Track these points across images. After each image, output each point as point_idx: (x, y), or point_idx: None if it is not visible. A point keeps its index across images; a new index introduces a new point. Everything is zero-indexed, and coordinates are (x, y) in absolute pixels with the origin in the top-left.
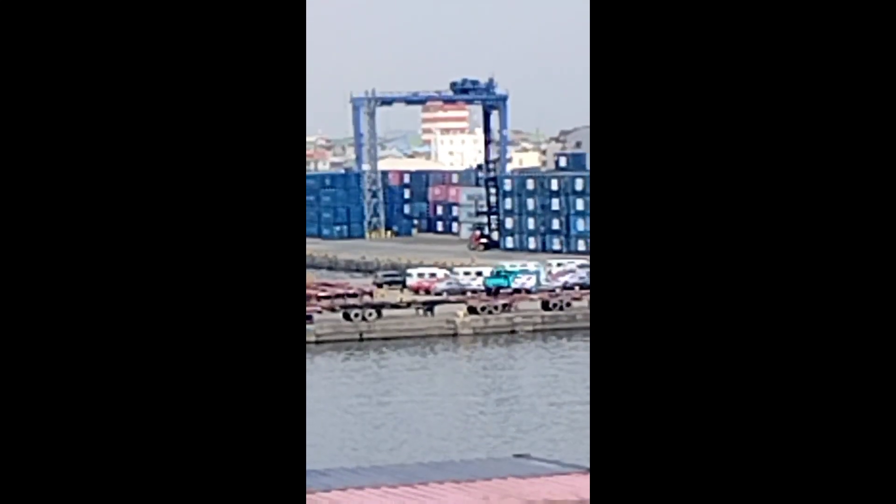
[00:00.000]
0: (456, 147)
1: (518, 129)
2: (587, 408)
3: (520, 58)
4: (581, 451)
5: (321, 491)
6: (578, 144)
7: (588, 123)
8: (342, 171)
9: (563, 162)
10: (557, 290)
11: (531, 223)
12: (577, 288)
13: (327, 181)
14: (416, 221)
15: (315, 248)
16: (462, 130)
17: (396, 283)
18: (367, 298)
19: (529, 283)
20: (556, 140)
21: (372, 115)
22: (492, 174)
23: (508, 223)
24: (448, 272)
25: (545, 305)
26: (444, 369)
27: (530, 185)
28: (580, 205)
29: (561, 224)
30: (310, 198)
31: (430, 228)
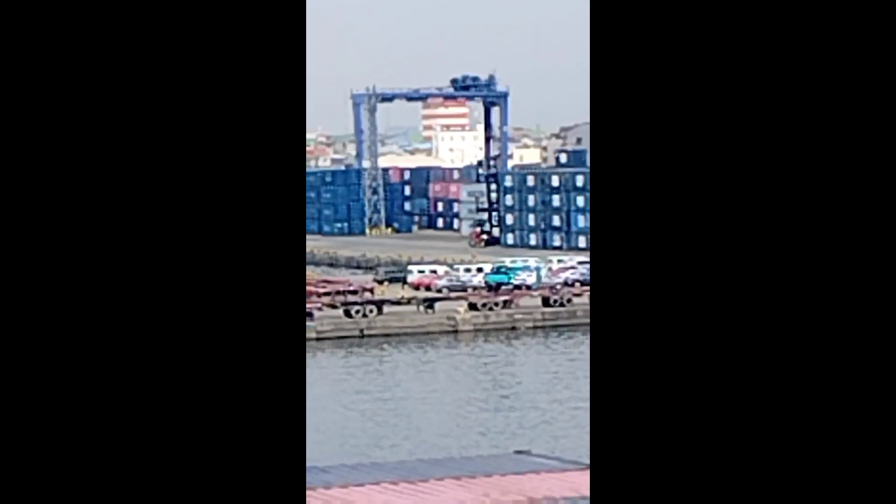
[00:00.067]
0: (456, 143)
1: (519, 126)
2: (587, 404)
3: (520, 54)
4: (582, 448)
5: (321, 487)
6: (579, 141)
7: (588, 120)
8: (343, 168)
9: (563, 158)
10: (558, 287)
11: (532, 219)
12: (577, 284)
13: (328, 178)
14: (416, 218)
15: (315, 244)
16: (463, 127)
17: (397, 279)
18: (367, 295)
19: (530, 279)
20: (557, 136)
21: (372, 111)
22: (492, 170)
23: (509, 220)
24: (449, 269)
25: (546, 302)
26: (445, 366)
27: (531, 181)
28: (581, 201)
29: (561, 220)
30: (310, 194)
31: (431, 225)
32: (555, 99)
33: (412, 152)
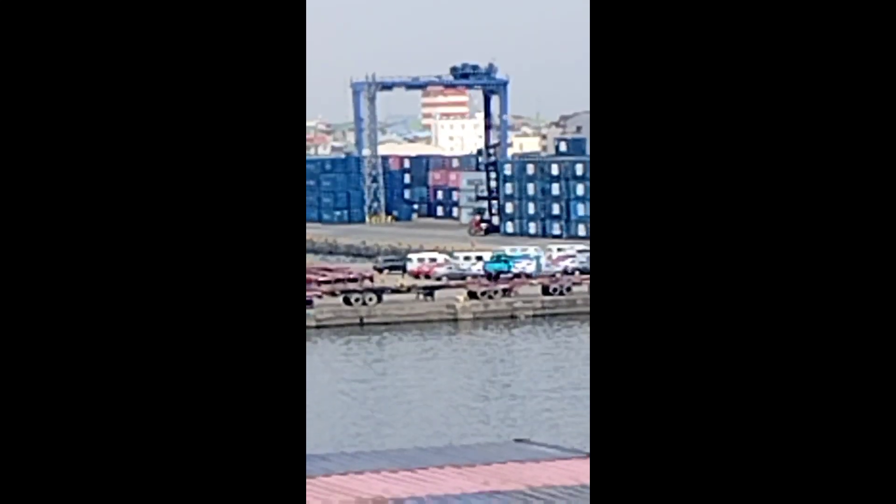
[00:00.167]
0: (456, 132)
1: (518, 114)
2: (587, 393)
3: (520, 42)
4: (581, 436)
5: (321, 475)
6: (579, 129)
7: (588, 108)
8: (342, 156)
9: (563, 147)
10: (558, 275)
11: (531, 208)
12: (577, 273)
13: (327, 166)
14: (416, 206)
15: (315, 232)
16: (462, 115)
17: (397, 267)
18: (367, 283)
19: (530, 267)
20: (557, 125)
21: (372, 99)
22: (492, 159)
23: (509, 208)
24: (448, 257)
25: (545, 290)
26: (444, 354)
27: (530, 169)
28: (580, 189)
29: (561, 209)
30: (310, 182)
31: (431, 213)
32: (554, 87)
33: (412, 140)
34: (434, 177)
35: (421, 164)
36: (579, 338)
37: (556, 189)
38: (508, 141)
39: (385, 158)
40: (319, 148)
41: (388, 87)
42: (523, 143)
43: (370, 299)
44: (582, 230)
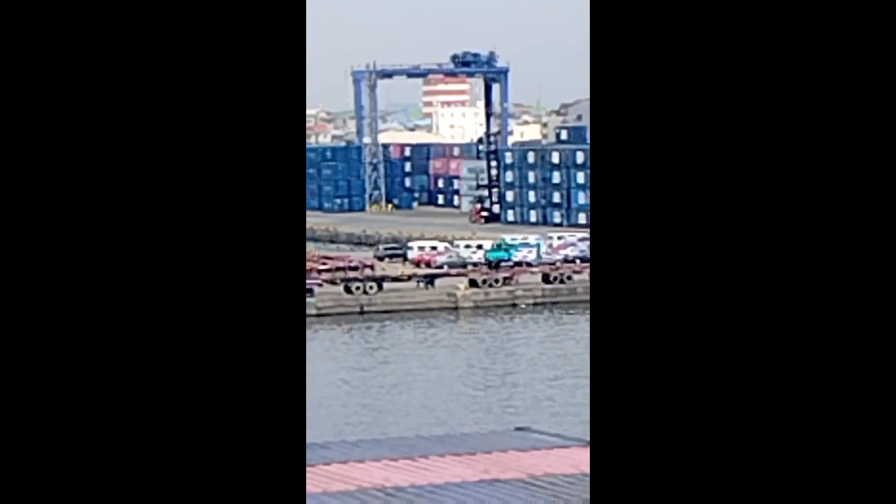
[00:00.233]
0: (457, 120)
1: (519, 102)
2: (588, 381)
3: (521, 31)
4: (582, 424)
5: (321, 464)
6: (579, 117)
7: (589, 96)
8: (343, 144)
9: (563, 135)
10: (558, 264)
11: (532, 196)
12: (577, 261)
13: (328, 154)
14: (416, 194)
15: (316, 221)
16: (463, 103)
17: (397, 256)
18: (367, 271)
19: (530, 256)
20: (557, 113)
21: (373, 87)
22: (493, 147)
23: (509, 196)
24: (449, 245)
25: (546, 278)
26: (445, 342)
27: (531, 158)
28: (581, 178)
29: (562, 197)
30: (310, 171)
31: (431, 201)
32: (555, 75)
33: (412, 129)
34: (435, 165)
35: (421, 153)
36: (580, 326)
37: (556, 177)
38: (509, 129)
39: (386, 147)
40: (320, 136)
41: (388, 75)
42: (524, 132)
43: (371, 288)
44: (582, 218)
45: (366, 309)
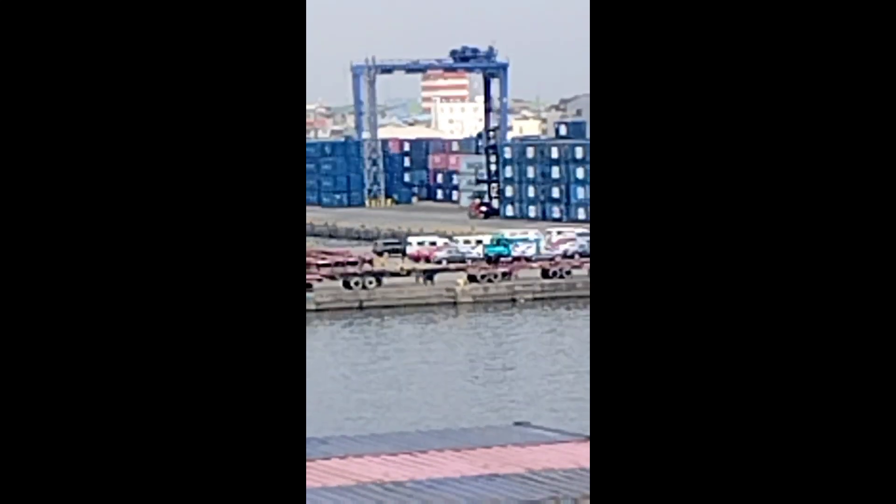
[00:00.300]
0: (456, 115)
1: (518, 98)
2: (587, 376)
3: (520, 26)
4: (582, 420)
5: (321, 459)
6: (579, 112)
7: (588, 91)
8: (342, 140)
9: (563, 130)
10: (557, 259)
11: (531, 191)
12: (576, 256)
13: (327, 149)
14: (416, 189)
15: (315, 216)
16: (462, 98)
17: (396, 251)
18: (366, 266)
19: (529, 251)
20: (557, 108)
21: (372, 82)
22: (492, 142)
23: (508, 191)
24: (448, 240)
25: (545, 274)
26: (444, 337)
27: (530, 153)
28: (580, 173)
29: (561, 192)
30: (310, 166)
31: (430, 196)
32: (554, 70)
33: (412, 124)
34: (434, 160)
35: (421, 148)
36: (579, 321)
37: (555, 172)
38: (508, 124)
39: (385, 142)
40: (319, 131)
41: (388, 70)
42: (523, 127)
43: (370, 283)
44: (582, 213)
45: (365, 304)
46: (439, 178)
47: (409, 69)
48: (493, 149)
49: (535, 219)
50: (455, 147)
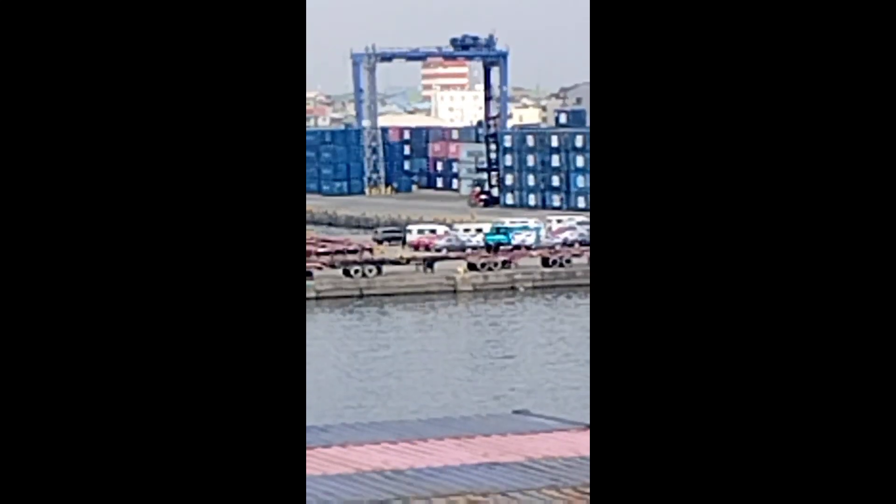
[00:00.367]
0: (456, 103)
1: (518, 86)
2: (587, 364)
3: (520, 14)
4: (581, 408)
5: (321, 447)
6: (579, 101)
7: (588, 80)
8: (342, 128)
9: (563, 118)
10: (557, 247)
11: (531, 179)
12: (576, 244)
13: (327, 137)
14: (416, 178)
15: (315, 204)
16: (462, 87)
17: (396, 239)
18: (366, 255)
19: (529, 239)
20: (557, 96)
21: (372, 70)
22: (492, 130)
23: (508, 179)
24: (448, 228)
25: (545, 262)
26: (444, 325)
27: (530, 141)
28: (580, 161)
29: (561, 180)
30: (310, 154)
31: (430, 185)
32: (555, 59)
33: (412, 112)
34: (434, 148)
35: (421, 136)
36: (580, 309)
37: (555, 161)
38: (508, 112)
39: (385, 130)
40: (319, 119)
41: (387, 58)
42: (523, 115)
43: (370, 271)
44: (582, 202)
45: (365, 292)
46: (439, 166)
47: (409, 57)
48: (493, 137)
49: (535, 207)
50: (455, 135)
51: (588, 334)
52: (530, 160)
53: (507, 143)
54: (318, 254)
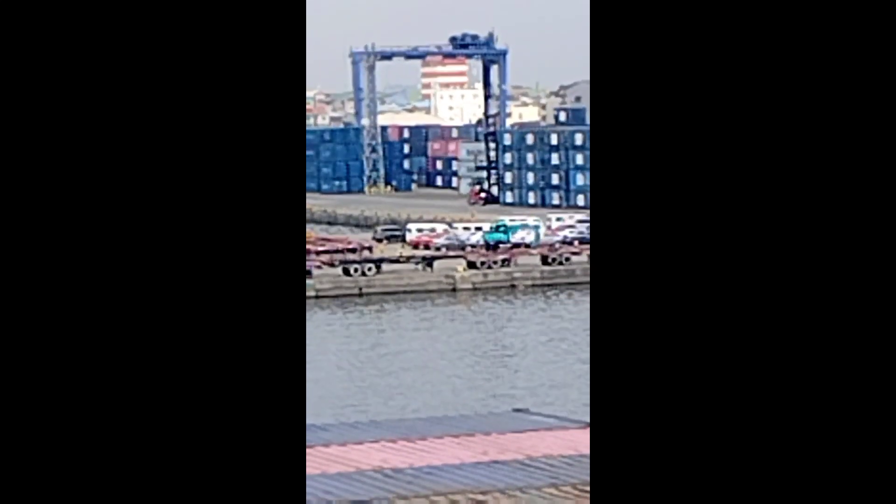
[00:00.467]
0: (455, 102)
1: (518, 84)
2: (587, 362)
3: (519, 12)
4: (581, 406)
5: (320, 446)
6: (578, 99)
7: (588, 78)
8: (341, 126)
9: (562, 116)
10: (557, 245)
11: (531, 178)
12: (576, 243)
13: (326, 136)
14: (415, 176)
15: (314, 202)
16: (462, 85)
17: (396, 237)
18: (366, 253)
19: (529, 237)
20: (556, 94)
21: (371, 69)
22: (491, 129)
23: (508, 178)
24: (447, 227)
25: (544, 260)
26: (444, 324)
27: (530, 139)
28: (580, 159)
29: (560, 179)
30: (309, 153)
31: (430, 183)
32: (554, 57)
33: (411, 110)
34: (433, 147)
35: (420, 134)
36: (579, 308)
37: (555, 159)
38: (508, 111)
39: (384, 128)
40: (318, 118)
41: (387, 56)
42: (523, 113)
43: (369, 269)
44: (581, 200)
45: (364, 291)
46: (439, 164)
47: (409, 56)
48: (493, 135)
49: (535, 205)
50: (454, 134)
51: (588, 332)
52: (530, 158)
53: (507, 142)
54: (318, 252)
